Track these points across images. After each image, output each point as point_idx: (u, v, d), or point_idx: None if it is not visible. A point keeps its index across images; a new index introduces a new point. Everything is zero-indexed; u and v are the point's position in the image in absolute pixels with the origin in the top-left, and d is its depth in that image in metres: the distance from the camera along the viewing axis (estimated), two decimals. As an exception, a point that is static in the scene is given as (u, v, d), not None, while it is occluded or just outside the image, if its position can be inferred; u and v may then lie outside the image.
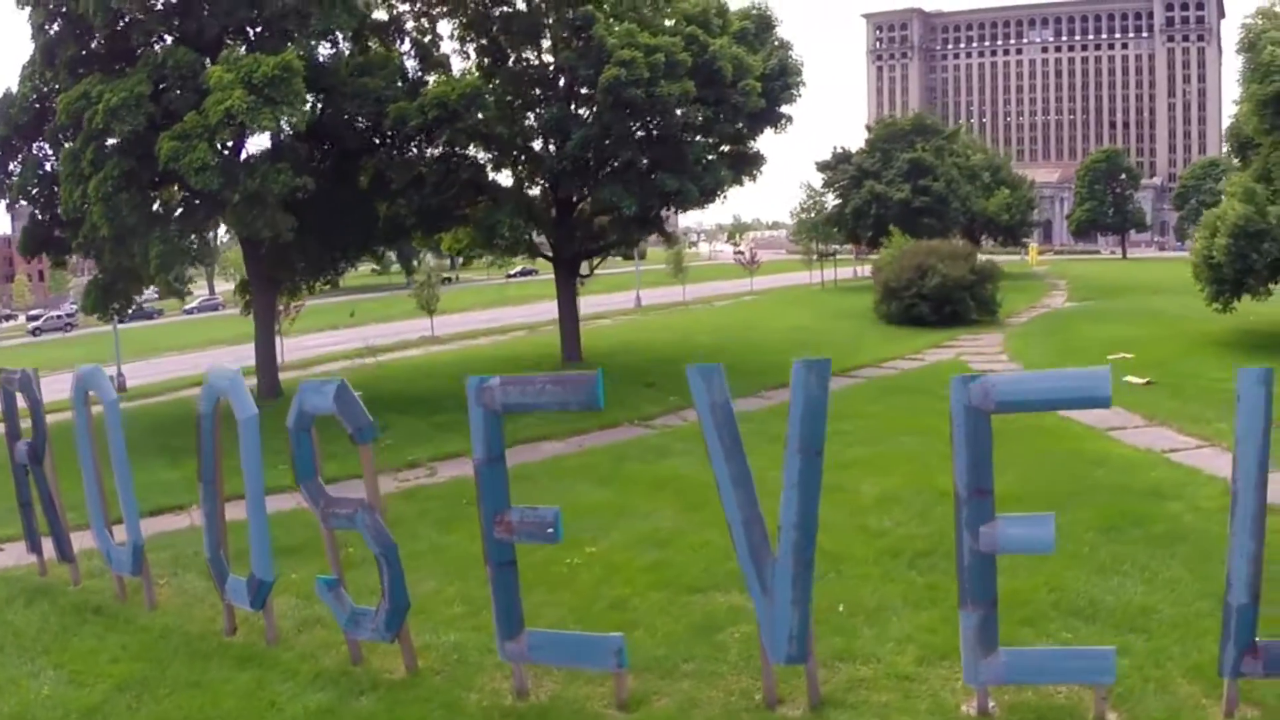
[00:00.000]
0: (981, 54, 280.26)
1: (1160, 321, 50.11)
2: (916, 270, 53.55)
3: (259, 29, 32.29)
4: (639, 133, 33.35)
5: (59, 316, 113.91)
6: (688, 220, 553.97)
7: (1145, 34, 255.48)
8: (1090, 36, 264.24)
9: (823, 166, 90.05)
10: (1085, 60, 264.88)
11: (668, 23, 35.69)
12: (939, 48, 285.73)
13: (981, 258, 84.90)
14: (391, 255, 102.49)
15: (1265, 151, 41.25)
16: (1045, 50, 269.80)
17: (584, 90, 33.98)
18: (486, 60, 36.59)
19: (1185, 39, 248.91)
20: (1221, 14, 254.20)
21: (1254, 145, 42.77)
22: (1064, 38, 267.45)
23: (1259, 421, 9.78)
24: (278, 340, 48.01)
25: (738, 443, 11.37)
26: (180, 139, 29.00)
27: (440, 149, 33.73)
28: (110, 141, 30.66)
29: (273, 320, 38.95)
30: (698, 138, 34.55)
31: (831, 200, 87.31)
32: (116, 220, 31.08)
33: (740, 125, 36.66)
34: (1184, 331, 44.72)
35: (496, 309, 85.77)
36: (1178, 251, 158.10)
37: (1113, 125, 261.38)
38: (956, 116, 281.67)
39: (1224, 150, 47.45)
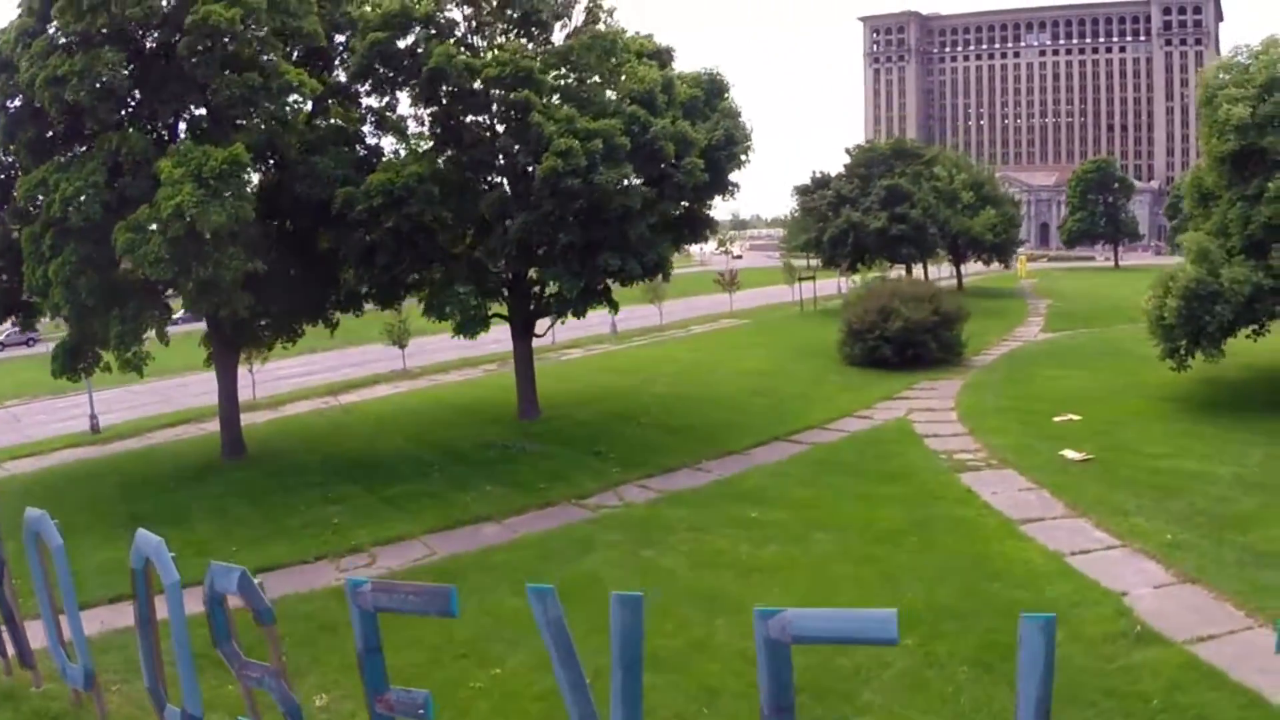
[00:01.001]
0: (979, 57, 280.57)
1: (1123, 365, 50.52)
2: (880, 313, 54.28)
3: (210, 114, 33.05)
4: (580, 217, 33.99)
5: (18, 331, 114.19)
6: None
7: (1143, 37, 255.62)
8: (1087, 40, 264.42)
9: (801, 191, 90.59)
10: (1082, 63, 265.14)
11: (611, 93, 36.23)
12: (936, 51, 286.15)
13: (970, 269, 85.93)
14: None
15: (1224, 206, 41.73)
16: (1042, 53, 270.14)
17: (527, 169, 34.63)
18: (439, 130, 37.26)
19: (1183, 42, 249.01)
20: (1220, 17, 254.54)
21: (1214, 197, 43.29)
22: (1061, 41, 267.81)
23: (1038, 667, 10.54)
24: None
25: (572, 653, 12.25)
26: (135, 230, 30.04)
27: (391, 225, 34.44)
28: (69, 225, 31.46)
29: (234, 378, 39.75)
30: (640, 218, 35.12)
31: (810, 225, 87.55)
32: (76, 302, 32.22)
33: (684, 202, 37.41)
34: (1143, 382, 45.17)
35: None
36: (1171, 259, 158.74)
37: (1110, 128, 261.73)
38: (953, 119, 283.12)
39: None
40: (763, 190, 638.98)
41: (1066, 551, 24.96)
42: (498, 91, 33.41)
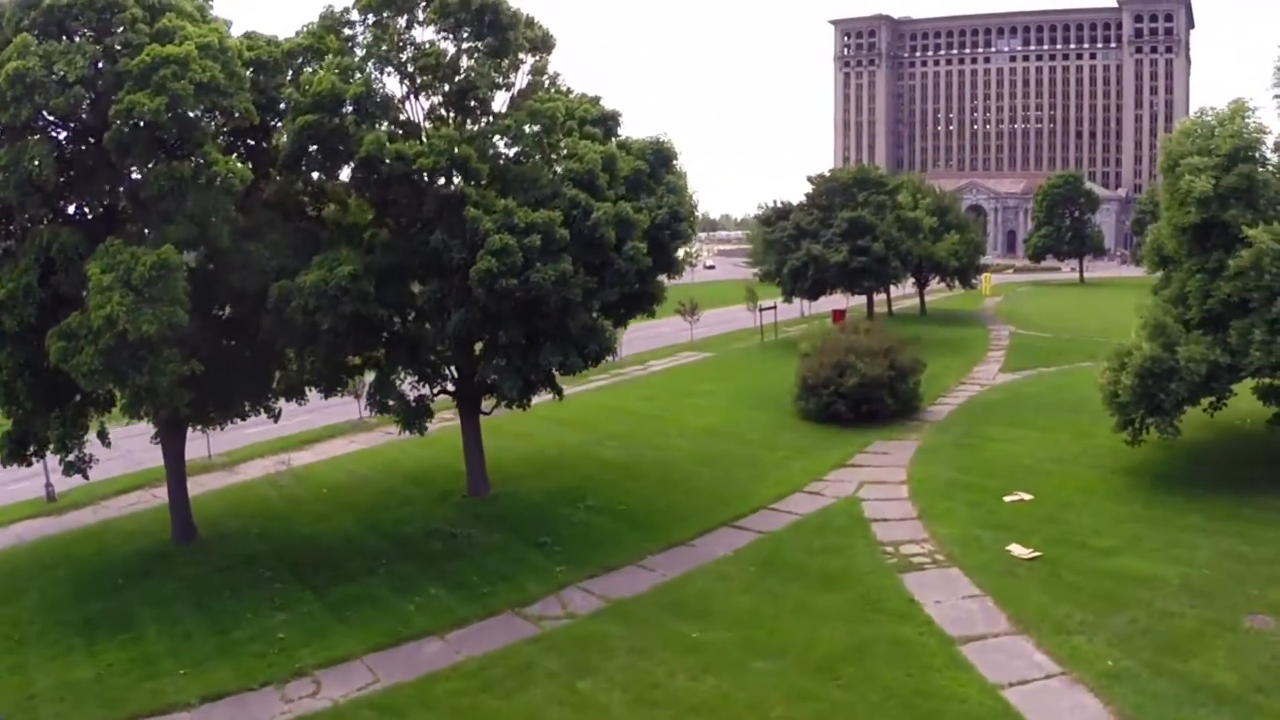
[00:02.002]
0: (949, 62, 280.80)
1: (1079, 423, 50.24)
2: (835, 368, 53.97)
3: (139, 207, 32.37)
4: (518, 312, 33.42)
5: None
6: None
7: (1114, 44, 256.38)
8: (1058, 46, 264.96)
9: (762, 221, 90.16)
10: (1053, 70, 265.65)
11: (551, 171, 35.54)
12: (907, 55, 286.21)
13: (934, 286, 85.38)
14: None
15: (1183, 275, 41.49)
16: (1013, 59, 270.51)
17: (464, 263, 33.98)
18: (377, 210, 36.62)
19: (1154, 50, 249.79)
20: (1191, 24, 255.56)
21: (1174, 262, 43.05)
22: (1031, 46, 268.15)
23: None
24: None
25: None
26: (68, 338, 29.51)
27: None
28: (4, 329, 30.89)
29: (181, 460, 39.11)
30: (581, 309, 34.56)
31: (771, 258, 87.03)
32: (15, 404, 31.80)
33: (626, 288, 36.98)
34: (1097, 448, 44.99)
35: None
36: (1136, 270, 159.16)
37: (1079, 135, 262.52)
38: (923, 124, 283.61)
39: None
40: (733, 188, 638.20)
41: (1005, 683, 24.78)
42: (433, 183, 32.69)
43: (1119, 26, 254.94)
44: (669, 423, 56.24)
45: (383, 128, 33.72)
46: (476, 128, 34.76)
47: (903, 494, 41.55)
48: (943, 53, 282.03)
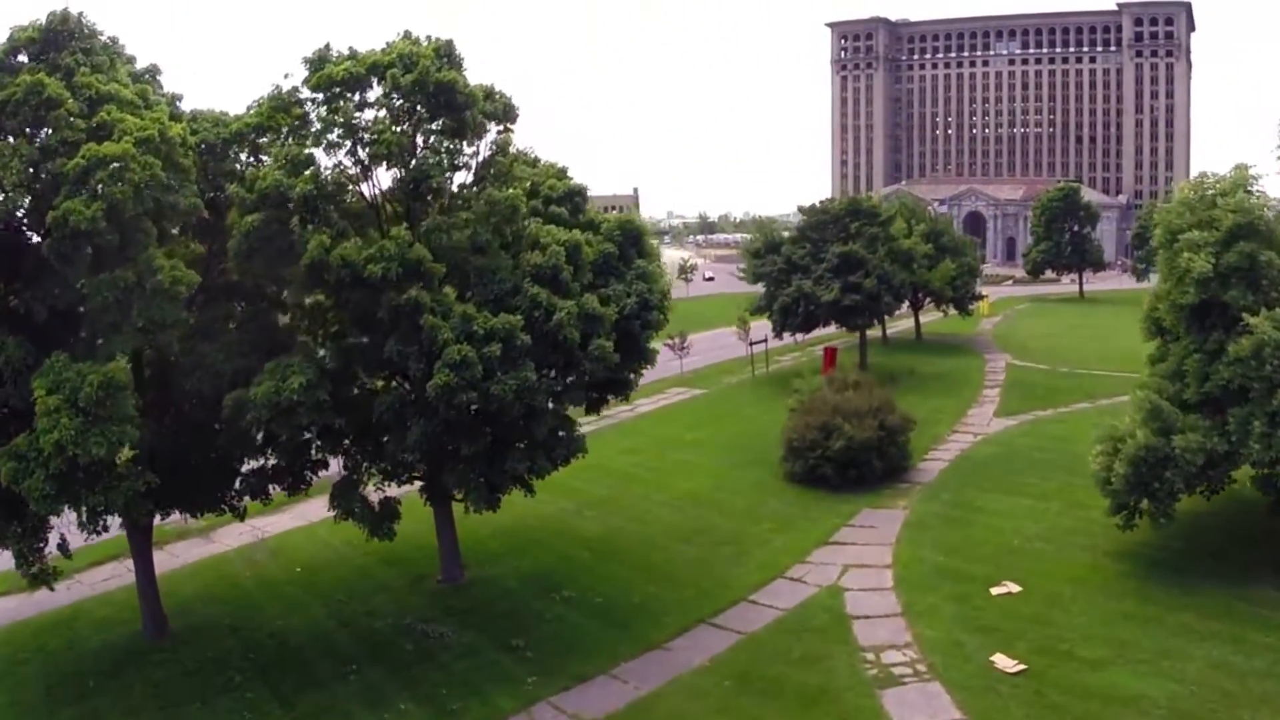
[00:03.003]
0: (948, 65, 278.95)
1: (1073, 488, 48.86)
2: (821, 430, 52.59)
3: (84, 318, 31.08)
4: (480, 422, 32.05)
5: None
6: (653, 209, 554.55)
7: (1113, 48, 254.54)
8: (1058, 49, 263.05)
9: (752, 253, 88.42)
10: (1052, 73, 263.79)
11: (522, 260, 34.06)
12: (905, 58, 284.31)
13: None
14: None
15: (1181, 350, 40.10)
16: (1012, 62, 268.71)
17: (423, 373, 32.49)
18: (331, 313, 35.36)
19: (1154, 54, 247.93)
20: (1191, 28, 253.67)
21: (1171, 335, 41.64)
22: (1031, 50, 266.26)
23: None
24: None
25: None
26: (18, 459, 28.35)
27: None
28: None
29: (149, 555, 37.84)
30: (546, 414, 33.19)
31: (761, 294, 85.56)
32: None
33: (593, 390, 35.66)
34: (1090, 522, 43.70)
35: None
36: (1137, 286, 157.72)
37: (1078, 140, 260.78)
38: (921, 128, 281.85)
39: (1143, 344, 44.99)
40: (732, 187, 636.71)
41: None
42: (385, 290, 31.19)
43: (1119, 30, 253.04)
44: (653, 486, 54.87)
45: (335, 219, 32.15)
46: (432, 219, 33.12)
47: (887, 582, 40.24)
48: (941, 56, 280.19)
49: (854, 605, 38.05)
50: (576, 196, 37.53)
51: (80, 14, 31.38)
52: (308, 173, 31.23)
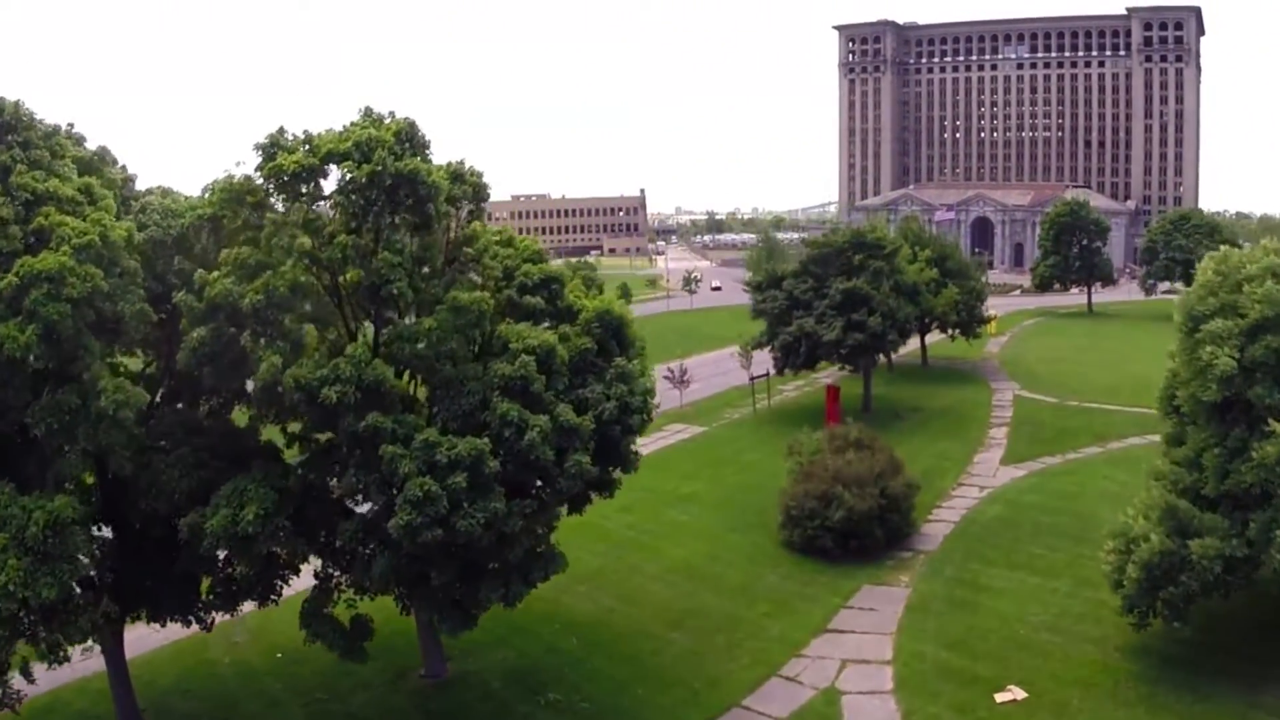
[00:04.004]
0: (955, 68, 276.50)
1: (1083, 560, 46.93)
2: (821, 499, 50.31)
3: (29, 443, 29.03)
4: (448, 553, 29.78)
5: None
6: (662, 204, 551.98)
7: (1123, 52, 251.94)
8: (1066, 53, 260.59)
9: (754, 286, 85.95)
10: (1061, 78, 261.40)
11: (491, 370, 31.65)
12: (912, 61, 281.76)
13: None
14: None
15: (1199, 441, 37.71)
16: (1020, 66, 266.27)
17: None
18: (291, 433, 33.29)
19: (1163, 59, 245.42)
20: (1201, 31, 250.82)
21: (1188, 419, 39.26)
22: (1040, 54, 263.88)
23: None
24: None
25: None
26: (-34, 598, 26.39)
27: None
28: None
29: (121, 658, 35.74)
30: (518, 539, 30.89)
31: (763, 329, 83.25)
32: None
33: (570, 501, 33.50)
34: (1101, 605, 41.45)
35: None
36: (1145, 298, 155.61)
37: (1087, 145, 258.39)
38: (929, 132, 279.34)
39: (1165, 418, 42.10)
40: (740, 184, 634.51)
41: None
42: (341, 416, 28.88)
43: (1128, 34, 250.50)
44: (645, 553, 52.56)
45: (290, 328, 29.88)
46: (392, 330, 30.78)
47: (886, 683, 38.10)
48: (949, 59, 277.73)
49: (851, 713, 35.93)
50: (553, 283, 35.03)
51: (18, 102, 29.22)
52: (259, 281, 28.86)
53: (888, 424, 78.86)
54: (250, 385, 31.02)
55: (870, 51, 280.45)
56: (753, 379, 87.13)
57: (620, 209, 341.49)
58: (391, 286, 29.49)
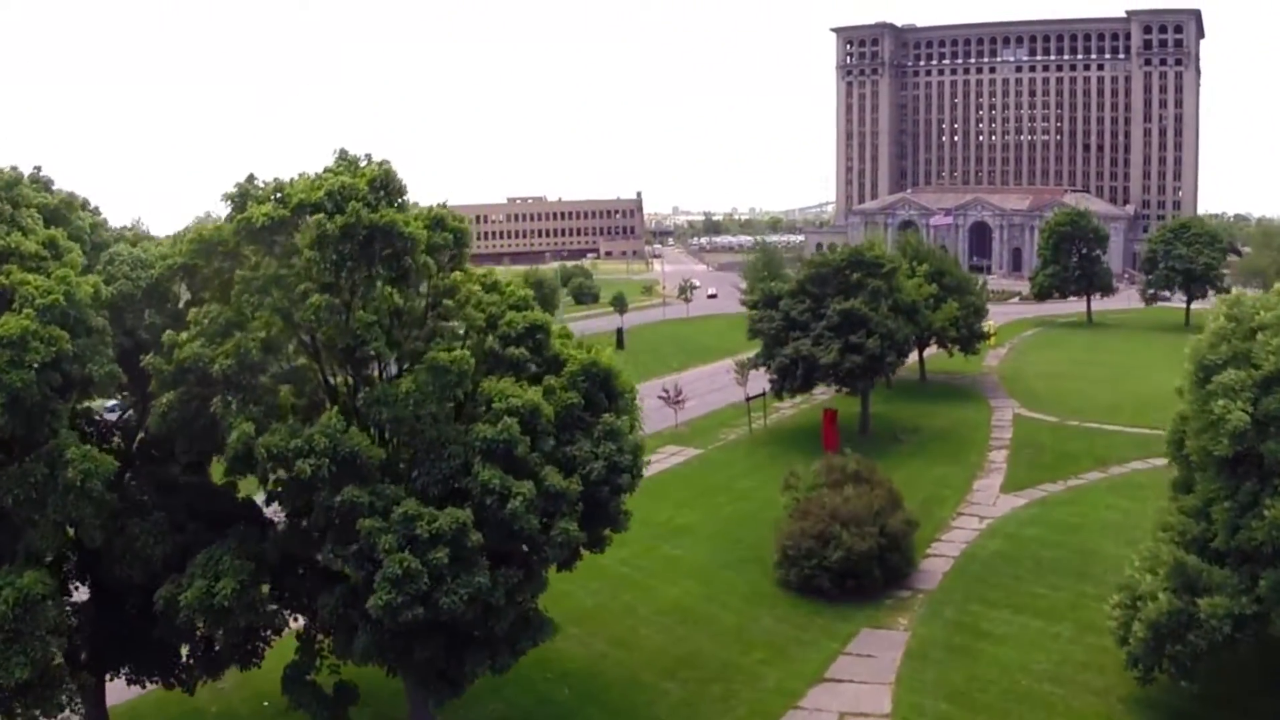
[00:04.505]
0: (954, 71, 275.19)
1: (1085, 599, 46.19)
2: (818, 539, 49.06)
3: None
4: (432, 628, 28.47)
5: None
6: (659, 204, 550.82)
7: (1122, 55, 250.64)
8: (1065, 56, 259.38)
9: (750, 305, 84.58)
10: (1060, 81, 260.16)
11: (473, 433, 30.29)
12: (910, 64, 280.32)
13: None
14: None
15: (1208, 491, 36.39)
16: (1019, 69, 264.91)
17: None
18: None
19: (1163, 62, 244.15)
20: (1201, 35, 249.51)
21: (1197, 466, 37.94)
22: (1038, 56, 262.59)
23: None
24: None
25: None
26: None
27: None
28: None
29: (104, 715, 34.56)
30: (505, 610, 29.60)
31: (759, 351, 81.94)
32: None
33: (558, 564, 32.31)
34: (1104, 655, 40.21)
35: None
36: (1145, 306, 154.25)
37: (1086, 148, 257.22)
38: (927, 135, 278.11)
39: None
40: (737, 185, 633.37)
41: None
42: (317, 488, 27.59)
43: (1128, 37, 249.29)
44: (640, 592, 51.23)
45: (263, 393, 28.62)
46: (369, 393, 29.41)
47: (885, 744, 36.83)
48: (947, 62, 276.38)
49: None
50: (538, 333, 33.57)
51: None
52: (230, 343, 27.60)
53: (886, 447, 77.69)
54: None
55: (868, 54, 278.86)
56: (749, 399, 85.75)
57: (617, 211, 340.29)
58: (368, 348, 28.24)
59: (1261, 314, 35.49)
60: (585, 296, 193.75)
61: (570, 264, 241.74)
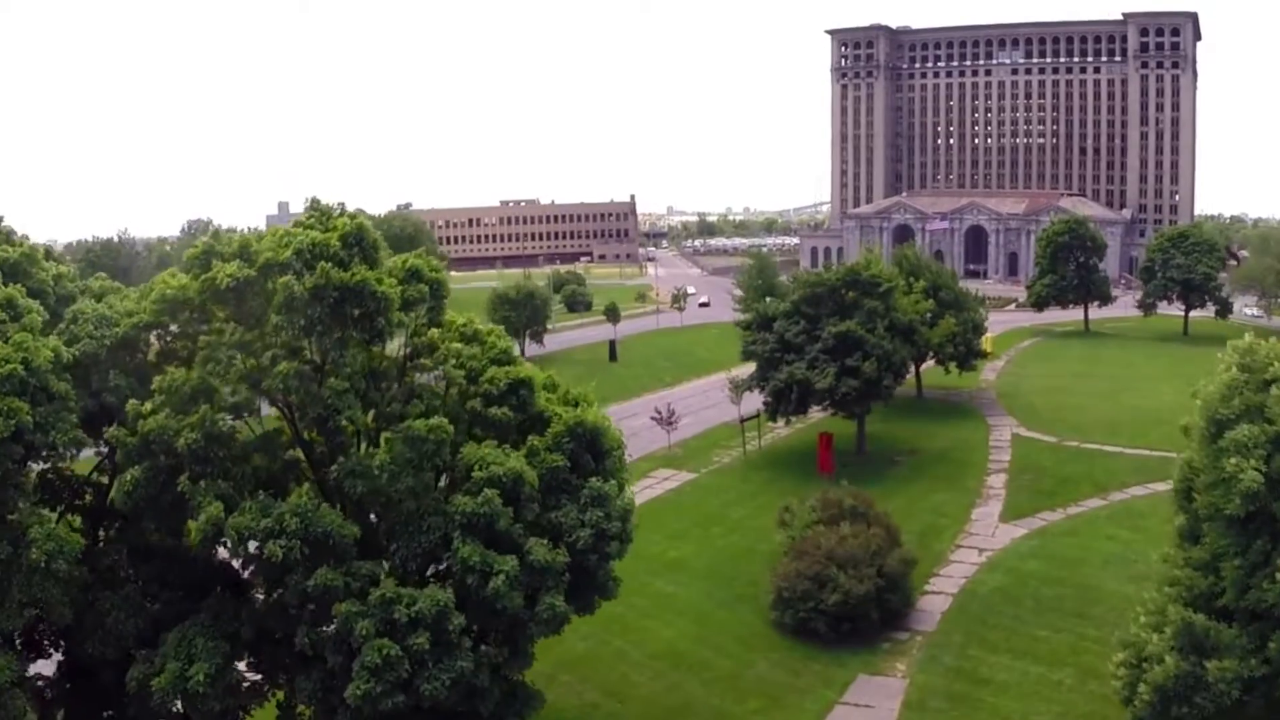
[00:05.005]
0: (949, 74, 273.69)
1: (1086, 641, 45.54)
2: (814, 580, 47.79)
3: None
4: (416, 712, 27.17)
5: None
6: (654, 204, 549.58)
7: (1118, 58, 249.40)
8: (1061, 59, 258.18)
9: (744, 326, 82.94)
10: (1056, 84, 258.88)
11: (452, 505, 28.92)
12: (905, 66, 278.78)
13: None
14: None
15: (1217, 546, 35.02)
16: (1015, 72, 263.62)
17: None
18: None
19: (1159, 65, 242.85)
20: (1198, 36, 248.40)
21: (1208, 517, 36.58)
22: (1034, 59, 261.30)
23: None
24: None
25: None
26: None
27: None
28: None
29: None
30: (489, 691, 28.27)
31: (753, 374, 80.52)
32: None
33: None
34: (1106, 705, 39.00)
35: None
36: (1143, 314, 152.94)
37: (1082, 152, 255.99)
38: (922, 138, 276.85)
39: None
40: (733, 184, 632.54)
41: None
42: (289, 574, 26.24)
43: (1124, 40, 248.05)
44: (632, 635, 49.86)
45: (232, 466, 27.26)
46: (342, 465, 27.99)
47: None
48: (942, 64, 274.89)
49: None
50: (521, 389, 32.04)
51: None
52: (195, 415, 26.22)
53: (882, 469, 76.51)
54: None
55: (863, 56, 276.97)
56: (743, 421, 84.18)
57: (610, 214, 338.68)
58: (340, 417, 26.86)
59: (1275, 365, 34.15)
60: (578, 304, 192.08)
61: (564, 269, 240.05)
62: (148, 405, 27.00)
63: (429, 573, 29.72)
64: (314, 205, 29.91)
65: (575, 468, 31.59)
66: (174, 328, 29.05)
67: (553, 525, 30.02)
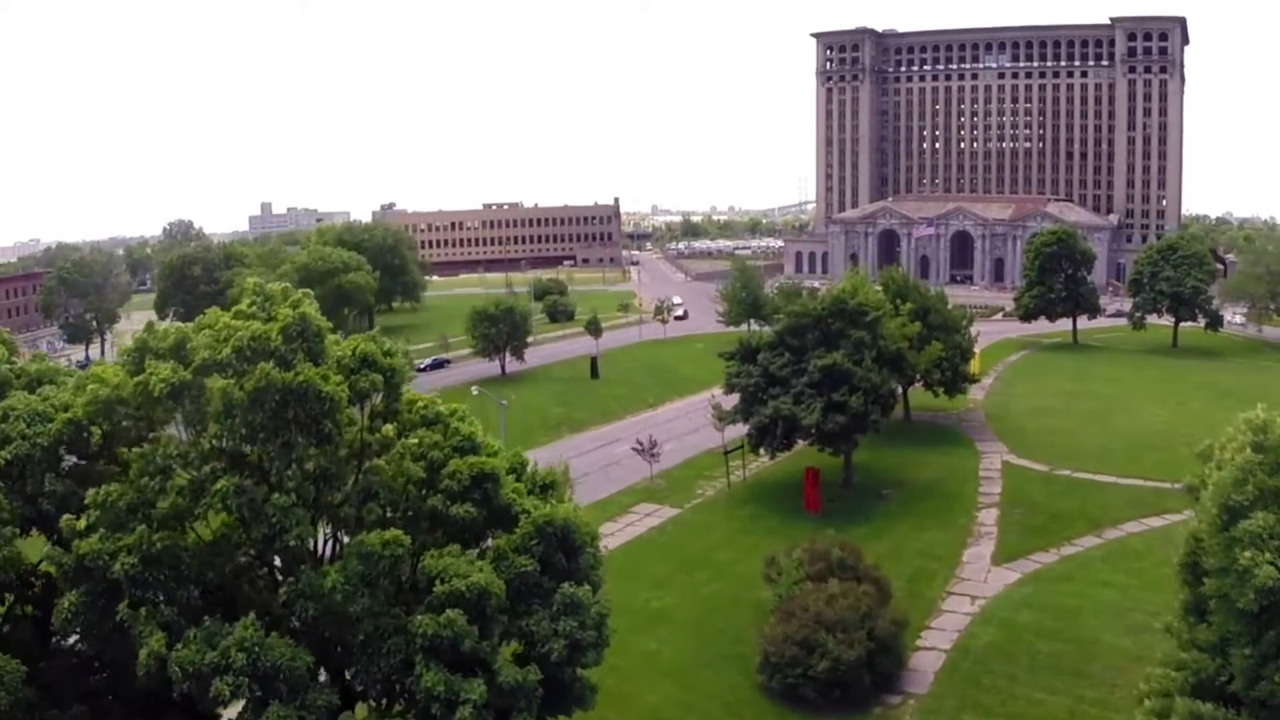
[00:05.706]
0: (935, 77, 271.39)
1: (1084, 704, 44.33)
2: (802, 645, 45.78)
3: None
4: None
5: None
6: (638, 204, 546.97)
7: (1106, 62, 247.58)
8: (1049, 63, 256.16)
9: (728, 356, 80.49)
10: (1043, 88, 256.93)
11: (414, 623, 26.72)
12: (891, 69, 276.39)
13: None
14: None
15: (1229, 628, 33.17)
16: (1001, 75, 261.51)
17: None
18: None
19: (1147, 70, 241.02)
20: (1185, 40, 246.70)
21: (1206, 573, 34.62)
22: (1021, 63, 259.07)
23: None
24: None
25: None
26: None
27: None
28: None
29: None
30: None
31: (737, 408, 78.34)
32: None
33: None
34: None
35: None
36: (1130, 325, 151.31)
37: (1069, 156, 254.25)
38: (908, 142, 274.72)
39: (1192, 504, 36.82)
40: (717, 183, 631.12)
41: None
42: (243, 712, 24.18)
43: (1111, 44, 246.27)
44: (614, 703, 46.55)
45: (175, 588, 25.08)
46: (291, 587, 25.82)
47: None
48: (928, 68, 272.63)
49: None
50: (486, 482, 29.78)
51: None
52: (131, 536, 24.02)
53: (870, 504, 74.71)
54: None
55: (848, 60, 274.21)
56: (726, 452, 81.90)
57: (594, 218, 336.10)
58: (287, 537, 24.66)
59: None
60: (560, 314, 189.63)
61: (545, 276, 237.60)
62: (82, 521, 24.81)
63: (391, 698, 27.56)
64: (257, 290, 27.68)
65: (546, 568, 29.44)
66: (106, 427, 26.77)
67: (524, 633, 27.89)
